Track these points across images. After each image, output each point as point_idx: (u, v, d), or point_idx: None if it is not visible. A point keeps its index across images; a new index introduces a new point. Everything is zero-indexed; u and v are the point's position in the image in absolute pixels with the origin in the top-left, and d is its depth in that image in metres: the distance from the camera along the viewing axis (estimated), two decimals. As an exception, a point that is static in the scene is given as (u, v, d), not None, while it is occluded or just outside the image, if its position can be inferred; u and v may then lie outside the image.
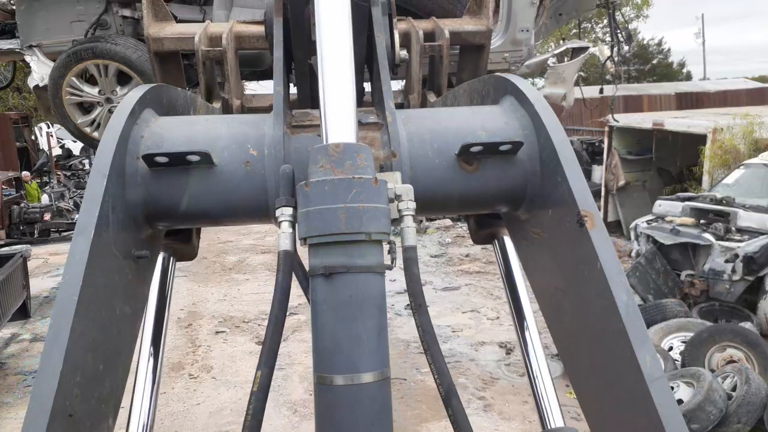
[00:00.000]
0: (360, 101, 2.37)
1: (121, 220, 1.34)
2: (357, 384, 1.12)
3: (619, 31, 4.93)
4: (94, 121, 4.81)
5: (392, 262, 1.26)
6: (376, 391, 1.14)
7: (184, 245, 2.06)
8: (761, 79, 34.24)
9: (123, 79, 4.70)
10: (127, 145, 1.41)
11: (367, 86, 2.69)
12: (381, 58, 2.02)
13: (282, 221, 1.25)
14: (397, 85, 3.35)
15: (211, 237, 14.31)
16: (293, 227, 1.25)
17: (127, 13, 4.88)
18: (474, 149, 1.46)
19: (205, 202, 1.47)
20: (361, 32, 2.14)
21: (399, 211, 1.26)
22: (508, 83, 1.65)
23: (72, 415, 1.02)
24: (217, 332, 9.03)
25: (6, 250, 10.27)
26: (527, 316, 2.04)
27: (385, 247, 1.24)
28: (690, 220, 8.50)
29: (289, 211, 1.26)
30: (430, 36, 2.98)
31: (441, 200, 1.53)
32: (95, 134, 4.80)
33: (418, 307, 1.21)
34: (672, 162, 14.00)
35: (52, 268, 12.73)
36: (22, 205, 15.43)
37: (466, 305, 10.08)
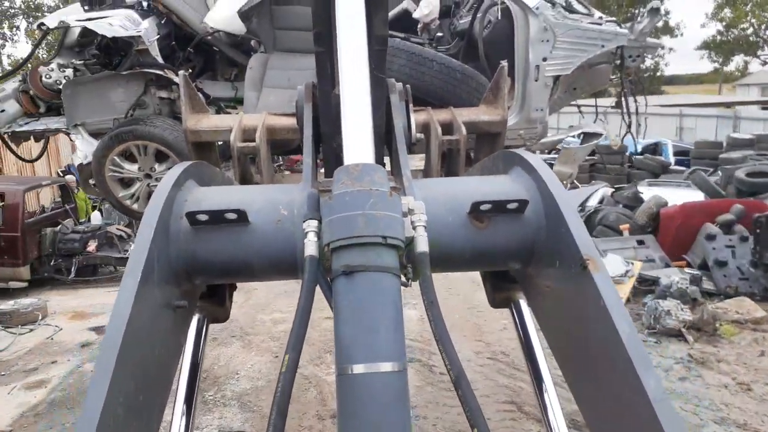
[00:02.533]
0: None
1: (164, 271, 1.50)
2: (375, 372, 1.21)
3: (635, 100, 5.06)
4: (133, 194, 5.13)
5: (408, 281, 1.42)
6: (393, 380, 1.23)
7: (218, 307, 2.23)
8: None
9: (161, 157, 5.02)
10: (172, 206, 1.60)
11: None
12: (398, 134, 2.26)
13: (308, 232, 1.41)
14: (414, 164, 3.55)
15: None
16: (318, 237, 1.40)
17: (163, 94, 5.21)
18: (484, 207, 1.62)
19: (240, 258, 1.63)
20: (380, 102, 2.37)
21: (412, 222, 1.43)
22: (515, 156, 1.84)
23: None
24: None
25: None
26: (545, 378, 2.12)
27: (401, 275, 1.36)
28: None
29: (314, 223, 1.42)
30: (447, 126, 3.18)
31: (455, 255, 1.67)
32: (135, 206, 5.10)
33: (430, 303, 1.34)
34: None
35: (52, 355, 7.23)
36: (59, 228, 10.56)
37: None
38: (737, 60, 48.22)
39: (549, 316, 1.72)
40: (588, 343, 1.44)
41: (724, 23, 44.42)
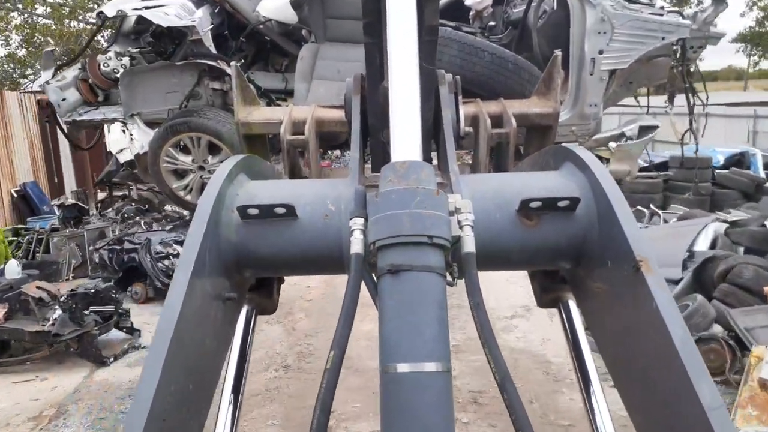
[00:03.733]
0: None
1: (214, 263, 1.54)
2: (419, 372, 1.21)
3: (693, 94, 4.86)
4: (187, 186, 5.25)
5: (454, 281, 1.40)
6: (437, 381, 1.22)
7: (266, 299, 2.25)
8: None
9: (213, 149, 5.11)
10: (224, 200, 1.64)
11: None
12: (446, 127, 2.23)
13: (354, 229, 1.41)
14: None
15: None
16: (364, 234, 1.40)
17: (216, 85, 5.29)
18: (533, 204, 1.59)
19: (288, 252, 1.66)
20: (429, 94, 2.34)
21: (459, 221, 1.40)
22: (566, 151, 1.79)
23: (166, 420, 1.18)
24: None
25: None
26: (593, 380, 2.09)
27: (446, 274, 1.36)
28: None
29: (360, 221, 1.42)
30: (497, 118, 3.11)
31: (501, 253, 1.65)
32: (188, 197, 5.21)
33: (476, 305, 1.33)
34: None
35: None
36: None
37: None
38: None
39: (599, 318, 1.69)
40: (639, 346, 1.40)
41: (764, 12, 41.05)
